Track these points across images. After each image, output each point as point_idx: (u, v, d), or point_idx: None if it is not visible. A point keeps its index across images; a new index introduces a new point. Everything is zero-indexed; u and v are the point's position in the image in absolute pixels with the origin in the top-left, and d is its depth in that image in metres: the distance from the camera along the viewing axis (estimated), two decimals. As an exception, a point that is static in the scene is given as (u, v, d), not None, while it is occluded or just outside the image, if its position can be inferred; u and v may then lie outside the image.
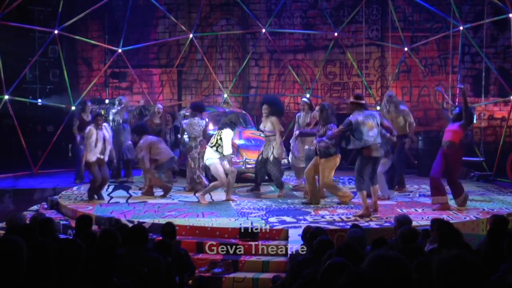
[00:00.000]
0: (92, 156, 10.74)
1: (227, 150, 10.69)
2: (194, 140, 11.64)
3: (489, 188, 12.27)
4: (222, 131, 10.74)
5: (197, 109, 11.90)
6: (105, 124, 11.24)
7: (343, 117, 10.02)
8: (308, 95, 14.53)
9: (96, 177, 10.83)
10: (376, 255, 3.01)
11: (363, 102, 9.49)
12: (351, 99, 9.60)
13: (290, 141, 11.85)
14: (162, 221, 8.63)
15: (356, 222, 8.33)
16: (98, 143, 10.79)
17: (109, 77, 16.86)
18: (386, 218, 9.26)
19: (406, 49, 15.58)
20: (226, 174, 10.77)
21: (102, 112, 15.47)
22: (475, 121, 13.97)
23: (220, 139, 10.65)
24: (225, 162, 10.75)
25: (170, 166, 12.02)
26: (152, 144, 11.27)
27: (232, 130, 10.82)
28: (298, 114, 12.00)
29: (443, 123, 15.15)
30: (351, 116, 9.37)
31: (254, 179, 11.73)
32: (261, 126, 11.49)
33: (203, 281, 7.41)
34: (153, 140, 11.38)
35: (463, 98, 9.87)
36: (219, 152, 10.61)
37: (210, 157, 10.69)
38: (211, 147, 10.71)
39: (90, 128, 10.82)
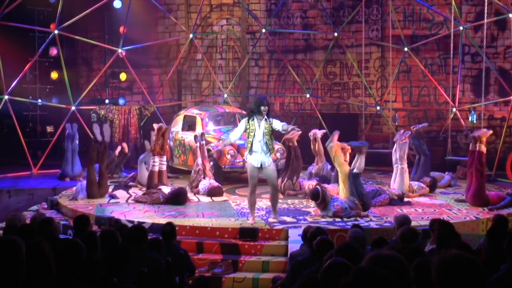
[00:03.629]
0: None
1: (233, 136, 9.67)
2: None
3: (489, 189, 12.24)
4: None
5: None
6: None
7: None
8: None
9: None
10: (373, 254, 3.02)
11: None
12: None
13: None
14: (162, 221, 8.64)
15: (356, 222, 8.34)
16: None
17: (109, 77, 16.84)
18: (386, 218, 9.27)
19: (406, 49, 15.57)
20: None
21: (102, 112, 15.54)
22: (475, 121, 13.95)
23: None
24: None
25: None
26: None
27: (247, 119, 9.36)
28: None
29: (443, 123, 15.19)
30: None
31: None
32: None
33: (203, 281, 7.41)
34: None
35: None
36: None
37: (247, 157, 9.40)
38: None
39: None
